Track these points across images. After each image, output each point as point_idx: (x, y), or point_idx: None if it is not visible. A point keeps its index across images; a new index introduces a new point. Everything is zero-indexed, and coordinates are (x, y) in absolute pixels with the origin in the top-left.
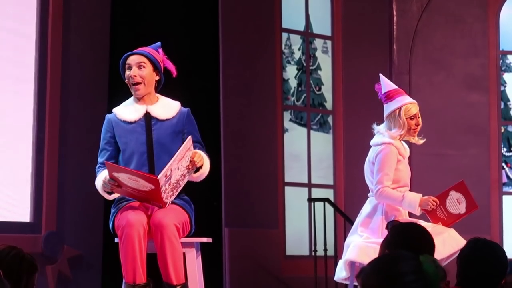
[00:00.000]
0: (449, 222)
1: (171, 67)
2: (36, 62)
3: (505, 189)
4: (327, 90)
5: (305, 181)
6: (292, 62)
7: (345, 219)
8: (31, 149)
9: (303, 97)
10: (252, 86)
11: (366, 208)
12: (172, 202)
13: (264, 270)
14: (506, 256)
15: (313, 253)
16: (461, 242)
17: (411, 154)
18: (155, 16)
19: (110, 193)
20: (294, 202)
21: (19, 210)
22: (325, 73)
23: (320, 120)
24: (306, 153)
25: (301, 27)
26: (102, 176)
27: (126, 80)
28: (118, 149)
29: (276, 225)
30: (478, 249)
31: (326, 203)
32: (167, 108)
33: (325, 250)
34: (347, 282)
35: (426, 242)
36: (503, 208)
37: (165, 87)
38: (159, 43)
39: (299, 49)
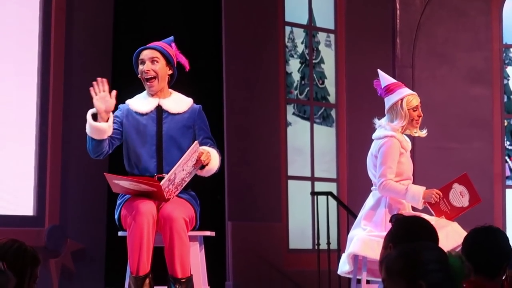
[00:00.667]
0: (452, 215)
1: (184, 61)
2: (39, 56)
3: (508, 182)
4: (330, 84)
5: (308, 174)
6: (295, 56)
7: (348, 213)
8: (34, 143)
9: (306, 90)
10: (255, 80)
11: (370, 201)
12: (179, 196)
13: (267, 264)
14: (508, 240)
15: (316, 247)
16: (464, 235)
17: (414, 147)
18: (158, 11)
19: (95, 118)
20: (297, 195)
21: (22, 203)
22: (328, 67)
23: (323, 114)
24: (309, 146)
25: (304, 20)
26: (90, 115)
27: (139, 75)
28: (120, 133)
29: (279, 219)
30: (481, 235)
31: (329, 197)
32: (179, 102)
33: (328, 243)
34: (350, 276)
35: (430, 235)
36: (506, 201)
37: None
38: (171, 38)
39: (302, 43)
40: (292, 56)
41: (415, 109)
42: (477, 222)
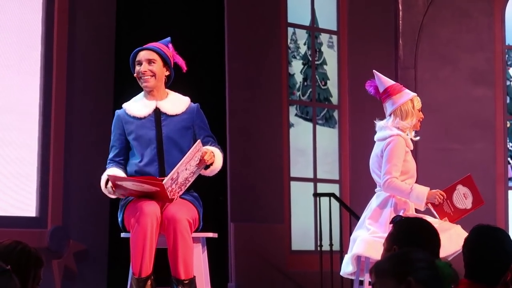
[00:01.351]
0: (455, 217)
1: (181, 62)
2: (42, 57)
3: (511, 183)
4: (332, 85)
5: (311, 176)
6: (298, 57)
7: (350, 214)
8: (36, 144)
9: (308, 91)
10: (258, 81)
11: (374, 202)
12: (182, 197)
13: (269, 265)
14: (510, 240)
15: (318, 248)
16: None
17: (417, 148)
18: (161, 11)
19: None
20: (300, 197)
21: (25, 205)
22: (331, 68)
23: (325, 115)
24: (312, 147)
25: (306, 21)
26: (104, 178)
27: (135, 75)
28: (127, 146)
29: (281, 220)
30: (483, 234)
31: (332, 198)
32: (176, 103)
33: (331, 245)
34: (352, 277)
35: (431, 237)
36: (509, 202)
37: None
38: (168, 38)
39: (304, 44)
40: (295, 57)
41: (419, 110)
42: (479, 223)
